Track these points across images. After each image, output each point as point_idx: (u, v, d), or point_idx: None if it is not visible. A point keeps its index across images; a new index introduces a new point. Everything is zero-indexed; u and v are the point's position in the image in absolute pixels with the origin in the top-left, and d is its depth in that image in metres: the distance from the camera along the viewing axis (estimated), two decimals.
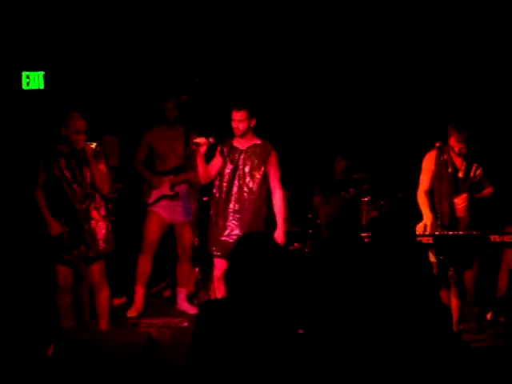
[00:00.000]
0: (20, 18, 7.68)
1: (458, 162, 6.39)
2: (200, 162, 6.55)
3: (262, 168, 6.54)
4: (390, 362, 4.09)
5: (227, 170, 6.59)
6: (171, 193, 7.58)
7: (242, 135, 6.55)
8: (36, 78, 7.40)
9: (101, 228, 6.45)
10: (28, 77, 7.40)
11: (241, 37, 8.55)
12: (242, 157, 6.56)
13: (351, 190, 8.40)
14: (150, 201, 7.62)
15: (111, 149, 8.30)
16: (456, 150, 6.27)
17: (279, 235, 6.47)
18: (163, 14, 8.31)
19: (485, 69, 8.22)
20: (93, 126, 8.13)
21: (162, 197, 7.59)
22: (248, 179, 6.55)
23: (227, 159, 6.59)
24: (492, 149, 7.03)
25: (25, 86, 7.41)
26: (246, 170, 6.56)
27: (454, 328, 6.31)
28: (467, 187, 6.33)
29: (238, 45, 8.57)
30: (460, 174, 6.36)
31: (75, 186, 6.39)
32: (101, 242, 6.44)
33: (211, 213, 6.68)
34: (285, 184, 8.60)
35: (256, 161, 6.55)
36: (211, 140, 6.54)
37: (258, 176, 6.55)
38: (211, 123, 7.91)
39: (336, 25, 8.46)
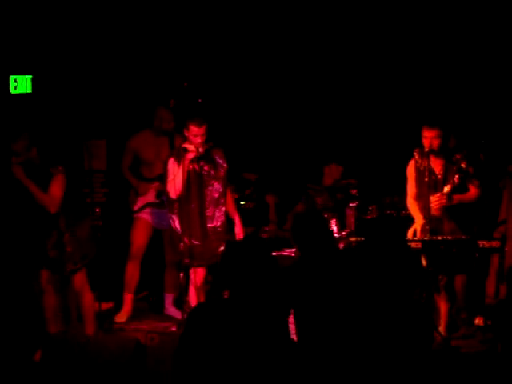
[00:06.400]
0: (7, 21, 7.64)
1: (437, 167, 6.48)
2: (183, 169, 6.52)
3: (225, 168, 6.72)
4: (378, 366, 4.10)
5: (191, 179, 6.62)
6: (157, 201, 7.53)
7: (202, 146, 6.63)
8: (24, 82, 7.35)
9: (68, 243, 6.43)
10: (16, 80, 7.35)
11: (230, 40, 8.54)
12: (201, 162, 6.64)
13: (338, 195, 8.39)
14: (136, 208, 7.59)
15: (99, 152, 8.28)
16: (426, 146, 6.38)
17: (240, 231, 6.80)
18: (152, 17, 8.30)
19: (481, 78, 8.22)
20: (81, 130, 8.13)
21: (148, 204, 7.55)
22: (213, 181, 6.70)
23: (188, 168, 6.60)
24: (484, 152, 7.08)
25: (12, 90, 7.36)
26: (211, 173, 6.67)
27: (443, 333, 6.35)
28: (449, 189, 6.37)
29: (227, 48, 8.56)
30: (439, 178, 6.45)
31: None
32: (67, 258, 6.43)
33: (175, 226, 6.70)
34: (273, 189, 8.63)
35: (216, 163, 6.69)
36: (200, 150, 6.55)
37: (222, 176, 6.71)
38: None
39: (328, 31, 8.47)
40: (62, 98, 7.95)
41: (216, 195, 6.70)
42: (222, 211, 6.72)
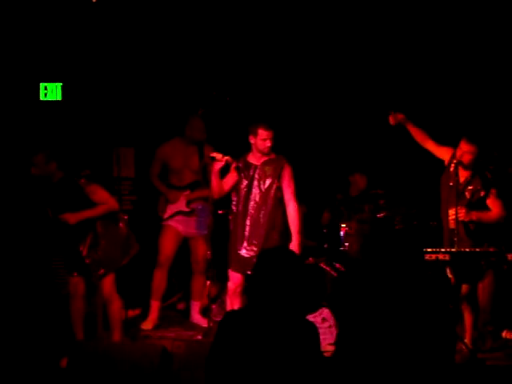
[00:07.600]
0: (38, 30, 7.71)
1: (463, 176, 6.42)
2: (214, 177, 6.55)
3: (276, 182, 6.53)
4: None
5: (243, 186, 6.58)
6: (187, 209, 7.57)
7: (269, 152, 6.55)
8: (54, 90, 7.42)
9: (102, 248, 6.51)
10: (46, 88, 7.42)
11: (258, 51, 8.55)
12: (256, 172, 6.56)
13: (366, 206, 8.35)
14: (166, 216, 7.62)
15: (127, 160, 8.33)
16: (457, 156, 6.33)
17: (294, 246, 6.44)
18: (181, 26, 8.34)
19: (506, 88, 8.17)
20: (110, 137, 8.18)
21: (178, 213, 7.58)
22: (263, 193, 6.54)
23: (242, 175, 6.58)
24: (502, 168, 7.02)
25: (42, 97, 7.43)
26: (262, 184, 6.55)
27: (469, 345, 6.30)
28: (465, 204, 6.32)
29: (255, 58, 8.58)
30: (459, 188, 6.36)
31: None
32: (98, 263, 6.50)
33: (231, 228, 6.68)
34: (300, 199, 8.62)
35: (270, 175, 6.53)
36: (229, 159, 6.51)
37: (273, 190, 6.53)
38: (228, 136, 7.93)
39: (353, 37, 8.46)
40: (91, 105, 8.00)
41: (262, 208, 6.52)
42: (265, 224, 6.51)
